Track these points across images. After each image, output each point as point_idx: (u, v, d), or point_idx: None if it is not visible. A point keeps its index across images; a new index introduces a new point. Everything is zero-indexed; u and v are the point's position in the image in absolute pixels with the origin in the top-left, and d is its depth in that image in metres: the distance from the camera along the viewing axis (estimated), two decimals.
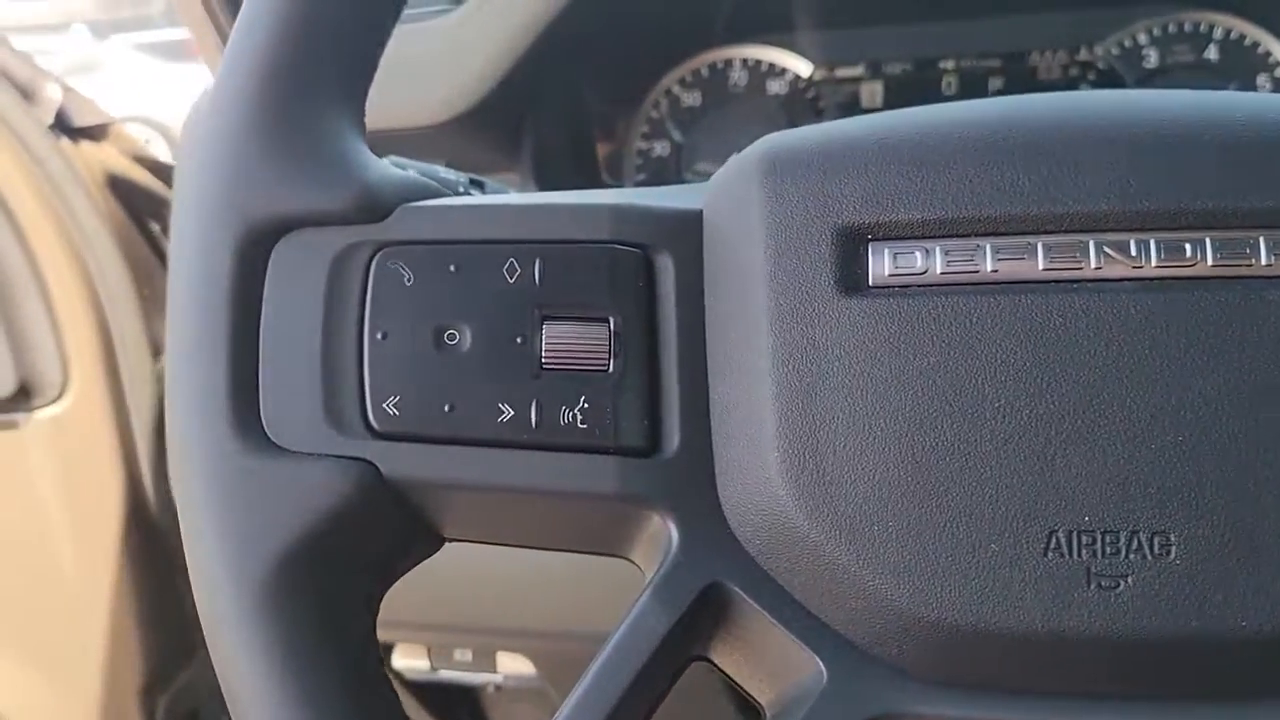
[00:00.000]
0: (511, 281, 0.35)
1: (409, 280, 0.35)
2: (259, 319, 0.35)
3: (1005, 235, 0.33)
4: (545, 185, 0.78)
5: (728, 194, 0.36)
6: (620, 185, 0.85)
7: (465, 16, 0.74)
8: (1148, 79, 0.80)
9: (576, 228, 0.36)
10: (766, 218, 0.34)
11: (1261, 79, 0.78)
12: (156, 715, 1.09)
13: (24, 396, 0.99)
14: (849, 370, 0.32)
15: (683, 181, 0.84)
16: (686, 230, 0.36)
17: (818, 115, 0.83)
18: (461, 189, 0.50)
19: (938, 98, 0.81)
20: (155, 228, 1.08)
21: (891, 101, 0.82)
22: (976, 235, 0.33)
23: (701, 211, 0.36)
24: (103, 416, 1.00)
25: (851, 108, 0.83)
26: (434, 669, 0.81)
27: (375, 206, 0.36)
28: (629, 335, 0.35)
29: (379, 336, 0.35)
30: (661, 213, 0.36)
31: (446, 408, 0.34)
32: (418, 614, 0.73)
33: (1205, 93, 0.35)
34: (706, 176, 0.41)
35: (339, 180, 0.36)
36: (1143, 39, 0.80)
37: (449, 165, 0.80)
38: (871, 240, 0.33)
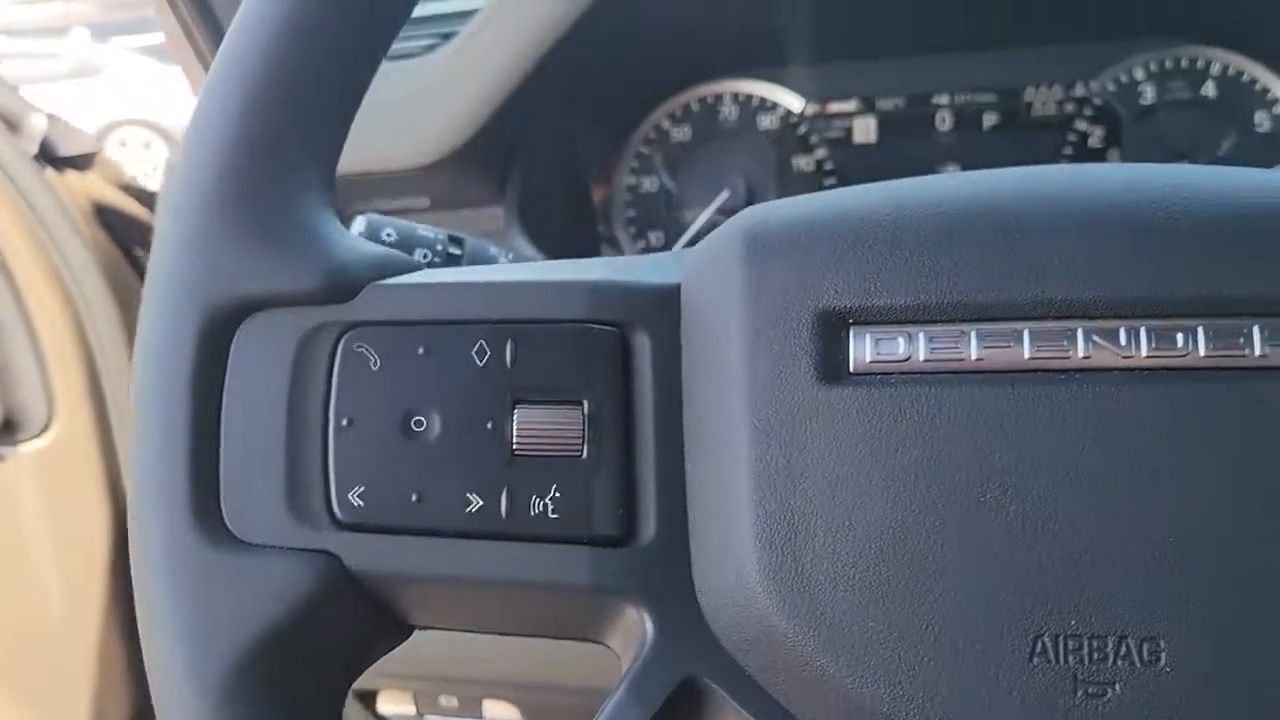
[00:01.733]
0: (482, 364, 0.34)
1: (376, 364, 0.34)
2: (220, 406, 0.34)
3: (990, 321, 0.31)
4: (530, 223, 0.77)
5: (707, 271, 0.34)
6: (610, 222, 0.84)
7: (451, 55, 0.73)
8: (1144, 115, 0.78)
9: (550, 306, 0.35)
10: (745, 299, 0.33)
11: (1260, 116, 0.77)
12: None
13: (9, 430, 0.98)
14: (829, 463, 0.31)
15: (674, 218, 0.83)
16: (664, 307, 0.35)
17: (810, 151, 0.82)
18: (440, 246, 0.50)
19: (931, 133, 0.80)
20: (142, 256, 1.07)
21: (885, 136, 0.81)
22: (961, 321, 0.32)
23: (679, 286, 0.35)
24: (89, 450, 0.99)
25: (844, 143, 0.82)
26: (420, 715, 0.80)
27: (342, 285, 0.35)
28: (603, 419, 0.34)
29: (344, 423, 0.34)
30: (638, 289, 0.35)
31: (414, 498, 0.33)
32: (403, 662, 0.72)
33: (1198, 170, 0.34)
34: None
35: (305, 259, 0.35)
36: (1139, 75, 0.79)
37: (434, 203, 0.80)
38: (853, 325, 0.32)
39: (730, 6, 0.76)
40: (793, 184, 0.82)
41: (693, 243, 0.82)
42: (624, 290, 0.35)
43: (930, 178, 0.35)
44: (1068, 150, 0.79)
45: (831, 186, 0.82)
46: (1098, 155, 0.79)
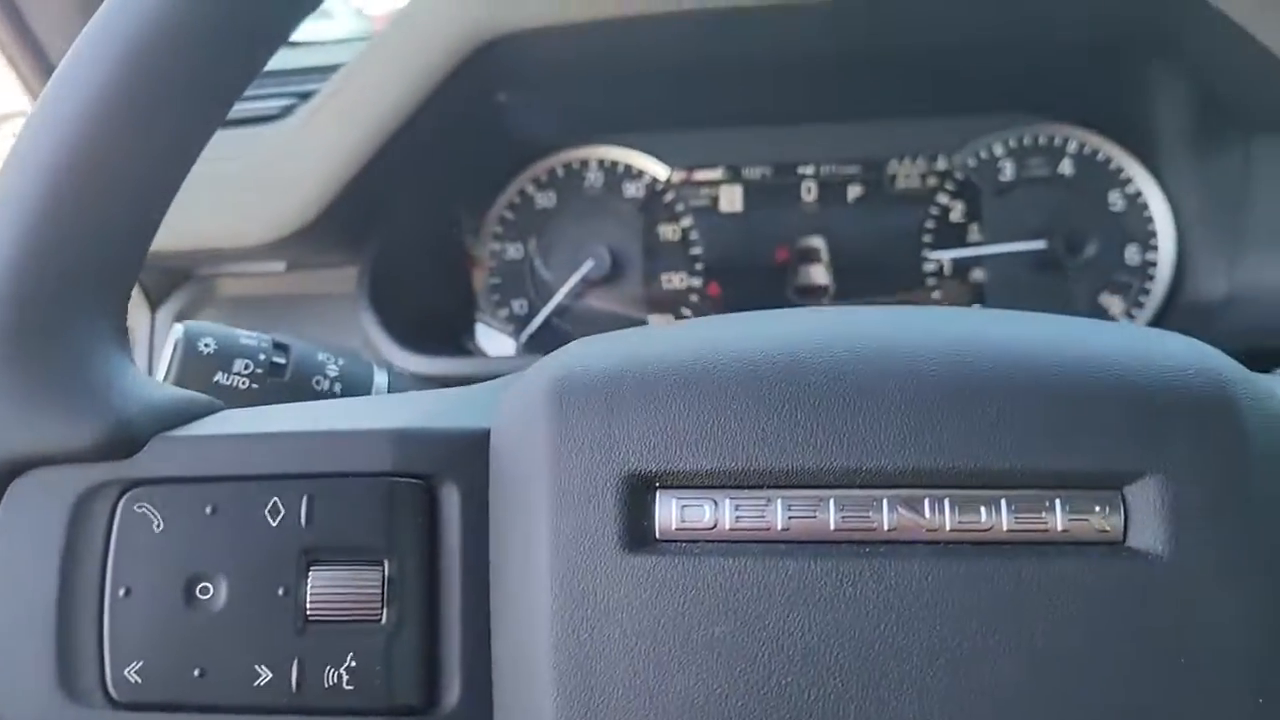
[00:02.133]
0: (274, 524, 0.32)
1: (159, 526, 0.32)
2: None
3: (797, 488, 0.31)
4: (390, 289, 0.75)
5: (516, 419, 0.33)
6: (472, 290, 0.82)
7: (305, 120, 0.70)
8: (1004, 190, 0.79)
9: (350, 458, 0.33)
10: (552, 457, 0.31)
11: (1114, 195, 0.78)
12: None
13: None
14: (632, 634, 0.30)
15: (537, 283, 0.82)
16: (473, 456, 0.33)
17: (676, 219, 0.81)
18: (263, 356, 0.47)
19: (797, 203, 0.80)
20: None
21: (751, 205, 0.81)
22: (768, 487, 0.31)
23: (489, 432, 0.34)
24: None
25: (710, 211, 0.81)
26: None
27: (125, 439, 0.32)
28: (405, 580, 0.32)
29: (122, 593, 0.31)
30: (447, 436, 0.34)
31: (196, 672, 0.31)
32: None
33: (1016, 330, 0.33)
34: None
35: (83, 410, 0.32)
36: (999, 151, 0.80)
37: (290, 265, 0.77)
38: (660, 489, 0.31)
39: (596, 74, 0.75)
40: (659, 252, 0.81)
41: (559, 315, 0.81)
42: (431, 438, 0.33)
43: (750, 323, 0.34)
44: (929, 224, 0.80)
45: (698, 255, 0.81)
46: (959, 229, 0.80)
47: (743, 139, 0.81)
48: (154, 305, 0.82)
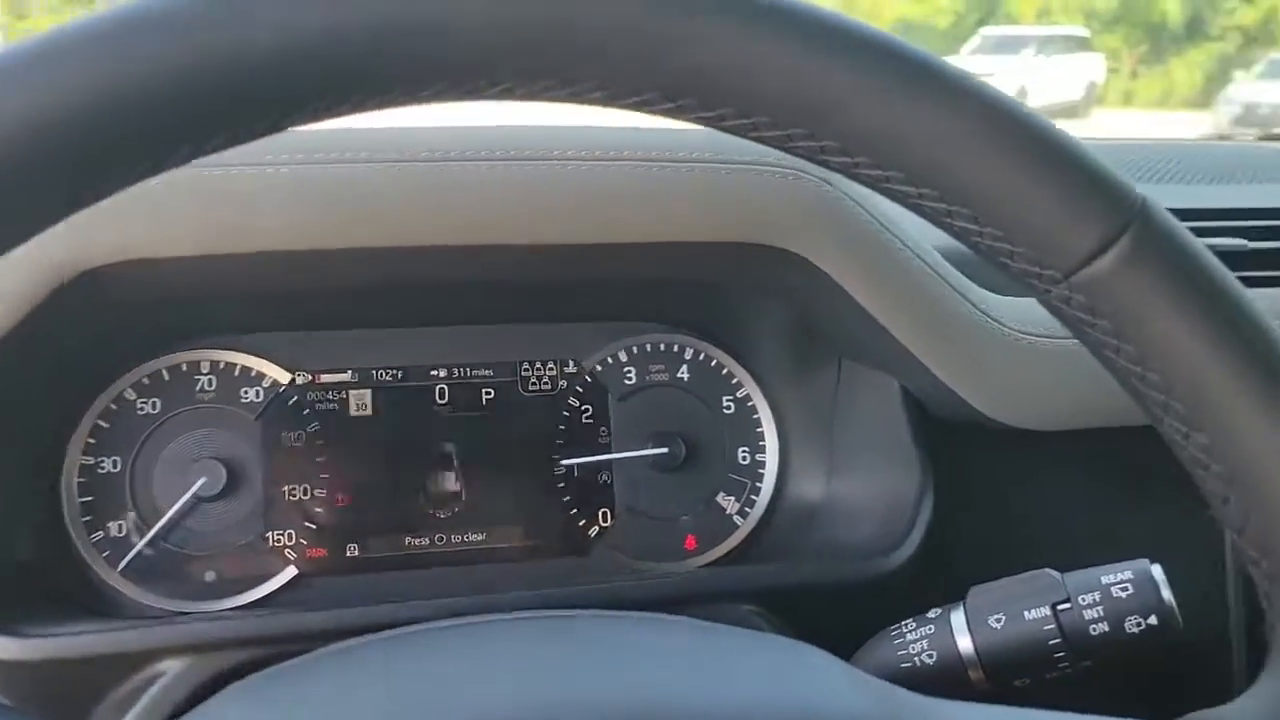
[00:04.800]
0: None
1: None
2: None
3: None
4: None
5: None
6: (61, 509, 0.71)
7: None
8: (630, 394, 0.82)
9: None
10: None
11: (726, 399, 0.84)
12: None
13: None
14: None
15: (142, 505, 0.73)
16: None
17: (300, 425, 0.76)
18: None
19: (430, 407, 0.78)
20: None
21: (381, 409, 0.78)
22: None
23: None
24: None
25: (338, 416, 0.77)
26: None
27: None
28: None
29: None
30: None
31: None
32: None
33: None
34: None
35: None
36: (624, 357, 0.83)
37: None
38: None
39: (210, 269, 0.69)
40: (281, 462, 0.75)
41: (165, 537, 0.72)
42: None
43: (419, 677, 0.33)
44: (561, 426, 0.81)
45: (324, 464, 0.76)
46: (588, 430, 0.81)
47: (372, 340, 0.78)
48: None
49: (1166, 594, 0.55)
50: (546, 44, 0.30)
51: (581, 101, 0.32)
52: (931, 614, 0.60)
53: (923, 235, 0.70)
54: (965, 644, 0.57)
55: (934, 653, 0.58)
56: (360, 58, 0.28)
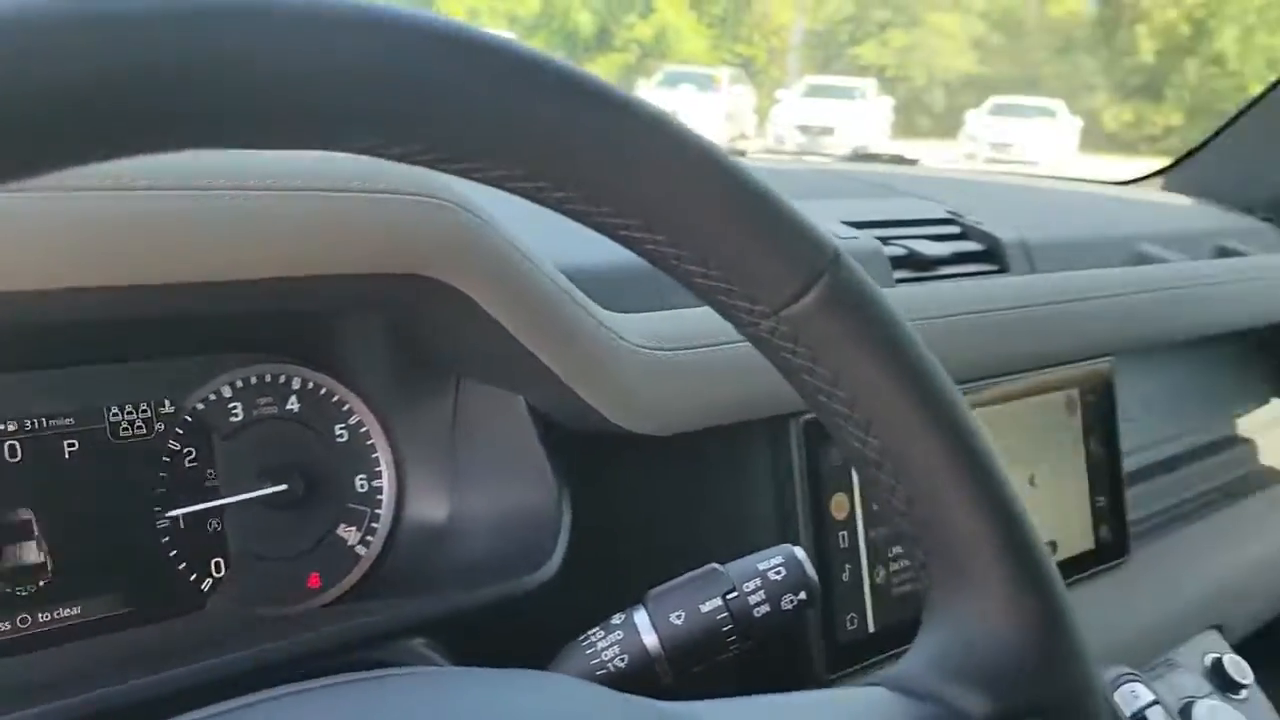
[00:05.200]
0: None
1: None
2: None
3: None
4: None
5: None
6: None
7: None
8: (237, 431, 0.76)
9: None
10: None
11: (340, 428, 0.80)
12: None
13: None
14: None
15: None
16: None
17: None
18: None
19: (3, 467, 0.66)
20: None
21: None
22: None
23: None
24: None
25: None
26: None
27: None
28: None
29: None
30: None
31: None
32: None
33: None
34: None
35: None
36: (227, 392, 0.76)
37: None
38: None
39: None
40: None
41: None
42: None
43: None
44: (161, 473, 0.72)
45: None
46: (193, 474, 0.74)
47: None
48: None
49: (810, 571, 0.64)
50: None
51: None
52: (615, 619, 0.63)
53: (545, 257, 0.73)
54: (652, 642, 0.61)
55: (626, 656, 0.61)
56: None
